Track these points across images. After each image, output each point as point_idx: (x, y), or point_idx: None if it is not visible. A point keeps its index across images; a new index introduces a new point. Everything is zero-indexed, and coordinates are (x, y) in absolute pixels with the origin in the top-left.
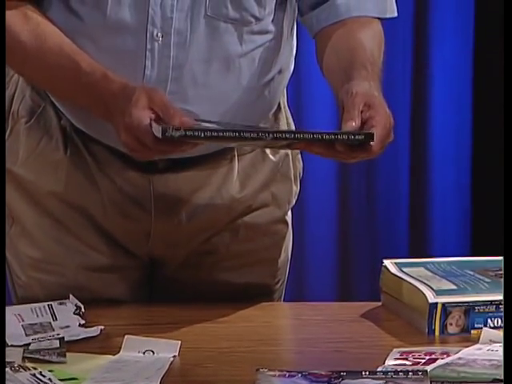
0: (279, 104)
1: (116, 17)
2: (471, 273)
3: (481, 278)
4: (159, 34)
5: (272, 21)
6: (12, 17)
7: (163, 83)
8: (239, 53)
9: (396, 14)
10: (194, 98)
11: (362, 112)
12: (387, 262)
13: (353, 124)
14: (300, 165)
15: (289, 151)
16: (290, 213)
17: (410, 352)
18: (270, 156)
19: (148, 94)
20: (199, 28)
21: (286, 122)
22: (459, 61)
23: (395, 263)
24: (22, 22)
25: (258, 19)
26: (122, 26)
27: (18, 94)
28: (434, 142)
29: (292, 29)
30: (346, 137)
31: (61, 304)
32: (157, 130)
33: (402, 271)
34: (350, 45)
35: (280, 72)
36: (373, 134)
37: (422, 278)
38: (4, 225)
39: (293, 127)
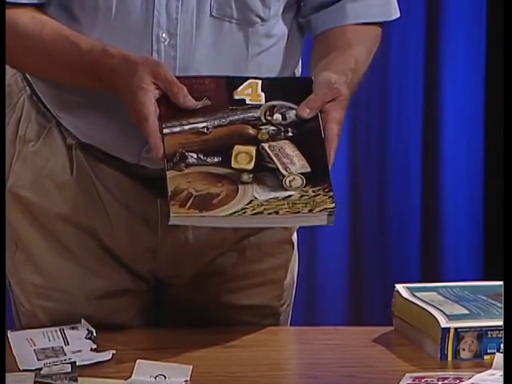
0: None
1: (121, 19)
2: (484, 298)
3: (493, 302)
4: (165, 36)
5: (279, 24)
6: (9, 13)
7: None
8: (245, 56)
9: (399, 14)
10: None
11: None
12: (399, 287)
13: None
14: None
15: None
16: (295, 234)
17: (423, 377)
18: None
19: (151, 71)
20: (204, 29)
21: None
22: (471, 84)
23: (407, 288)
24: (19, 15)
25: (262, 19)
26: (128, 28)
27: (24, 118)
28: (446, 166)
29: (301, 34)
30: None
31: (72, 328)
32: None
33: (414, 296)
34: (340, 44)
35: None
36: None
37: (435, 302)
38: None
39: None
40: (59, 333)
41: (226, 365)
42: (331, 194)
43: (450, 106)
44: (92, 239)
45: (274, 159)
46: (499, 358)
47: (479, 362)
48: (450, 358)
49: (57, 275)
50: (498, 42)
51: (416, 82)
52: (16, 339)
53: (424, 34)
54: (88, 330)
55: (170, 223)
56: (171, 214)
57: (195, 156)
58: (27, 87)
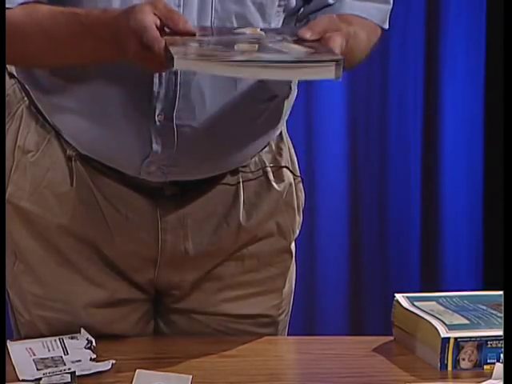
0: (281, 133)
1: None
2: (484, 307)
3: (493, 312)
4: None
5: None
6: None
7: (171, 100)
8: None
9: (387, 26)
10: (202, 114)
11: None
12: (399, 296)
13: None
14: (302, 195)
15: (292, 180)
16: (293, 244)
17: None
18: (275, 185)
19: (151, 4)
20: None
21: (289, 152)
22: (470, 93)
23: (407, 297)
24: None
25: None
26: None
27: (23, 128)
28: (446, 175)
29: None
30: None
31: (72, 338)
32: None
33: (414, 305)
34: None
35: (285, 93)
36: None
37: (434, 312)
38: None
39: (294, 158)
40: (59, 342)
41: (224, 374)
42: (338, 55)
43: (449, 114)
44: (92, 250)
45: (278, 48)
46: (499, 367)
47: (479, 372)
48: (449, 367)
49: (56, 285)
50: (498, 38)
51: (416, 90)
52: (15, 349)
53: (424, 41)
54: (87, 339)
55: (174, 68)
56: (175, 58)
57: (197, 44)
58: (25, 97)
